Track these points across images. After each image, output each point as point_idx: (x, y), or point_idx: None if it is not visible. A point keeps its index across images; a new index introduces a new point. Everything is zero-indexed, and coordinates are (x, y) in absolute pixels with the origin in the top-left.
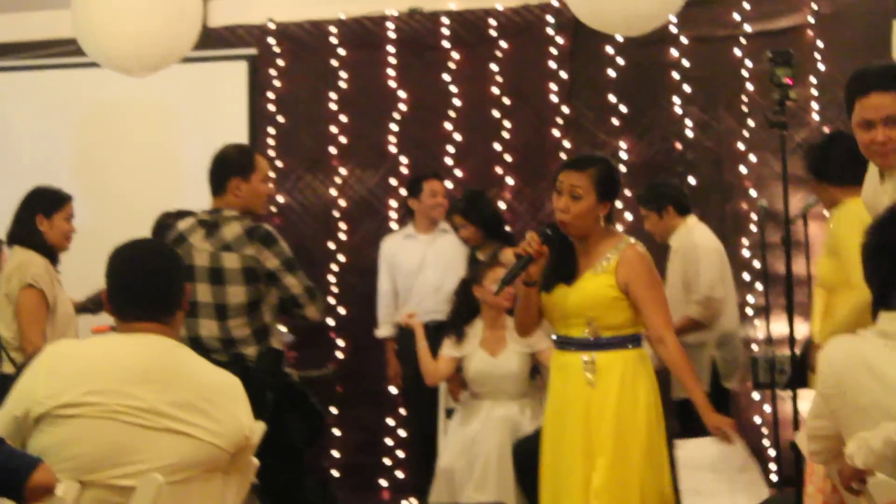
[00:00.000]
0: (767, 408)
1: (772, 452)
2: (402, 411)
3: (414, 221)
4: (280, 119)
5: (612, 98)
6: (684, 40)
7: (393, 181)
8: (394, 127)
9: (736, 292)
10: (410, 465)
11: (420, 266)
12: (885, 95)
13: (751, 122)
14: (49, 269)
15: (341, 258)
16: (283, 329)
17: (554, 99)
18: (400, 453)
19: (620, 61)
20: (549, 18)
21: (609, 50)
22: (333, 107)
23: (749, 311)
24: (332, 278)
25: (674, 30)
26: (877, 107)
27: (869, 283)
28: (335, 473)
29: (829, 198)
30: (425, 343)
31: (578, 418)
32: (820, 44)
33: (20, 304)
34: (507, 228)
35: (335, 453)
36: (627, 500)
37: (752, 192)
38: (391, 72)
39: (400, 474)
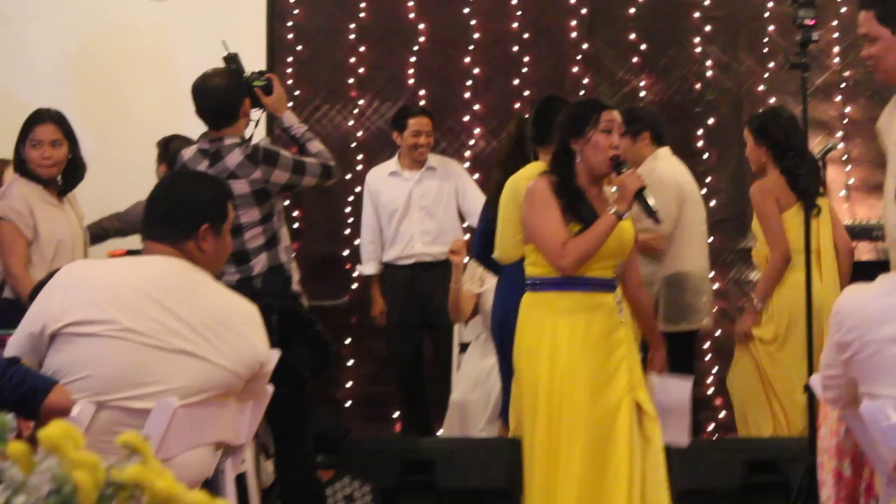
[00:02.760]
0: None
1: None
2: None
3: (399, 157)
4: (299, 48)
5: (632, 36)
6: None
7: None
8: (412, 59)
9: (705, 235)
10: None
11: (406, 206)
12: (861, 13)
13: (771, 64)
14: (32, 196)
15: (357, 189)
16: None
17: (574, 35)
18: None
19: None
20: None
21: None
22: (352, 37)
23: None
24: (347, 209)
25: None
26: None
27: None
28: (348, 404)
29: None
30: (461, 282)
31: (623, 356)
32: None
33: None
34: None
35: (348, 384)
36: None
37: None
38: (411, 3)
39: None
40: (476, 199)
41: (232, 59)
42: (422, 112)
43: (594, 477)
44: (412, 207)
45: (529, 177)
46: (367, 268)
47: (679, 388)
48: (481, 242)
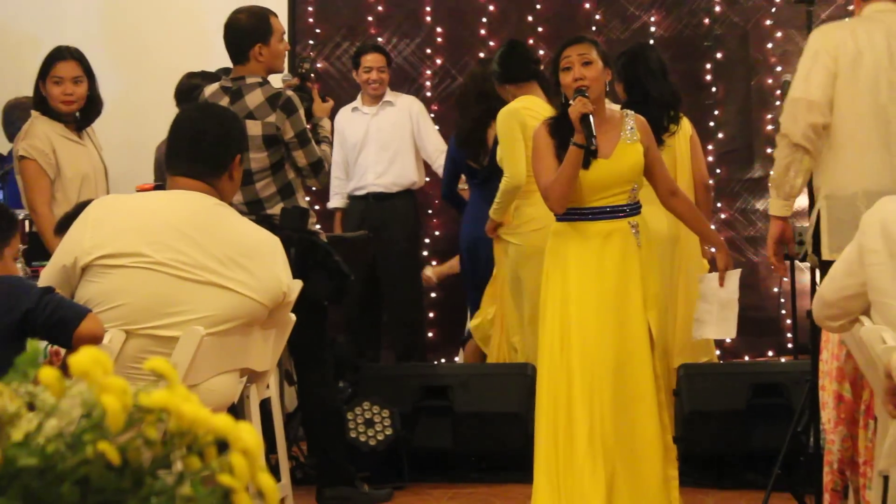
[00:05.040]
0: (786, 278)
1: (789, 321)
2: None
3: (361, 94)
4: None
5: None
6: None
7: (428, 50)
8: None
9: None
10: (442, 325)
11: (364, 140)
12: None
13: None
14: (53, 134)
15: None
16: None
17: None
18: (430, 314)
19: None
20: None
21: None
22: None
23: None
24: None
25: None
26: None
27: None
28: None
29: (509, 97)
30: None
31: (637, 279)
32: None
33: (20, 175)
34: None
35: None
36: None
37: (778, 68)
38: None
39: (430, 334)
40: (431, 138)
41: (306, 61)
42: (374, 49)
43: (614, 404)
44: (369, 140)
45: (528, 107)
46: (334, 201)
47: (732, 281)
48: (448, 181)
